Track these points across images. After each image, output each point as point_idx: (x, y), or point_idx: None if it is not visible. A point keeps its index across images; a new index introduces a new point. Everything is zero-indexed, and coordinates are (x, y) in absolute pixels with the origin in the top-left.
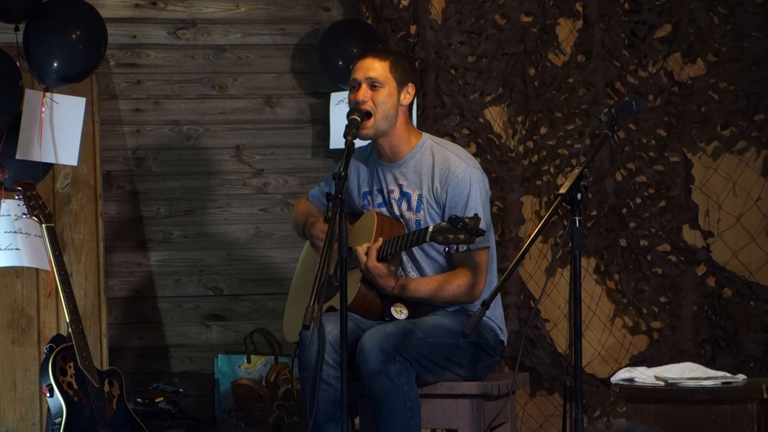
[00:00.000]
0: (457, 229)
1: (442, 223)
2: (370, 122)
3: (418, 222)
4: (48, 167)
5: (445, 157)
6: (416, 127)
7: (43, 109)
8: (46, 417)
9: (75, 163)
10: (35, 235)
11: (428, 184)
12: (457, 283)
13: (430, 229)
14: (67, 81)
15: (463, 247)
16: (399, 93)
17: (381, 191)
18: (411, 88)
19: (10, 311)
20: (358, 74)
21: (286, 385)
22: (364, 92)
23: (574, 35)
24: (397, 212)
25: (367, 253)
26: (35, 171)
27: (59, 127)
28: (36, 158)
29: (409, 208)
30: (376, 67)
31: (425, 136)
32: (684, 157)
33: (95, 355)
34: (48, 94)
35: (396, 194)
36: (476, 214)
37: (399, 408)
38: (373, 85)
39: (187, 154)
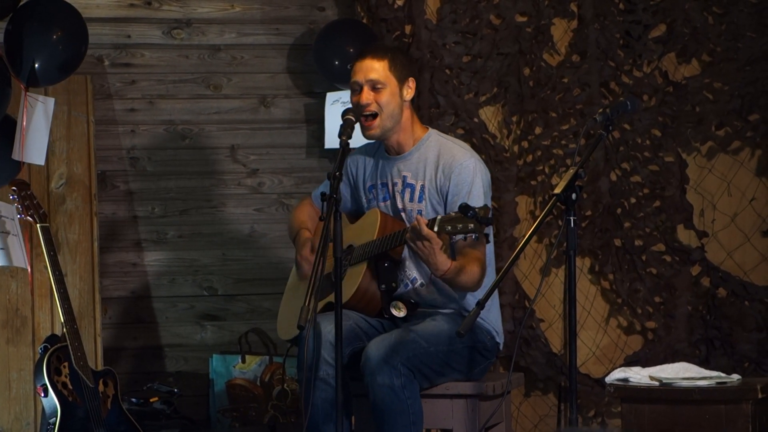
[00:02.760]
0: (467, 218)
1: (452, 213)
2: (377, 122)
3: (420, 212)
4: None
5: (450, 148)
6: None
7: (25, 109)
8: (40, 417)
9: (42, 163)
10: (13, 234)
11: (431, 174)
12: (473, 267)
13: (438, 218)
14: (48, 80)
15: (472, 236)
16: (401, 90)
17: (386, 185)
18: (412, 83)
19: (4, 311)
20: (359, 76)
21: (281, 385)
22: (367, 95)
23: (568, 35)
24: (400, 204)
25: (423, 233)
26: (10, 170)
27: (29, 126)
28: (18, 157)
29: (412, 198)
30: (375, 68)
31: (432, 130)
32: (679, 157)
33: (90, 355)
34: (30, 94)
35: (399, 186)
36: (486, 205)
37: (402, 421)
38: (375, 86)
39: (181, 154)
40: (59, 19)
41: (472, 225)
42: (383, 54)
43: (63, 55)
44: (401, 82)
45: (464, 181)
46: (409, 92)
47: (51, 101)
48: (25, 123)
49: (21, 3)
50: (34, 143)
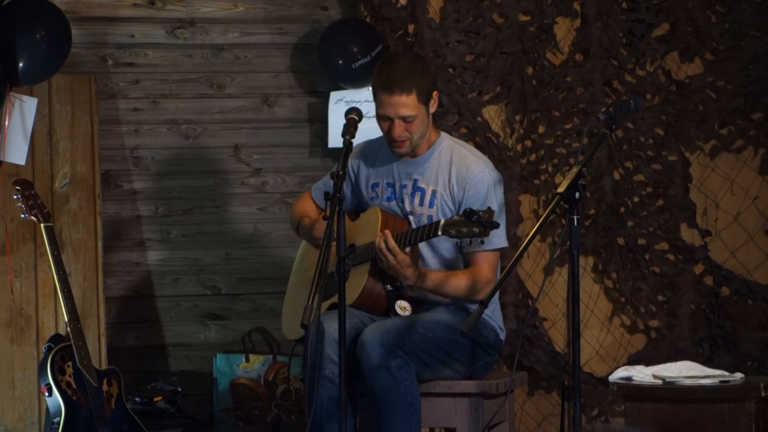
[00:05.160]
0: (472, 222)
1: (456, 217)
2: (407, 143)
3: (430, 217)
4: None
5: (464, 156)
6: None
7: (8, 109)
8: (44, 416)
9: (23, 163)
10: None
11: (444, 181)
12: (475, 279)
13: (442, 222)
14: (31, 80)
15: (477, 241)
16: (428, 109)
17: (392, 185)
18: (435, 96)
19: (8, 311)
20: (389, 111)
21: (285, 384)
22: (399, 129)
23: (572, 34)
24: (408, 207)
25: (390, 250)
26: None
27: (10, 126)
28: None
29: (422, 203)
30: (405, 103)
31: (443, 135)
32: (682, 155)
33: (94, 355)
34: (13, 93)
35: (409, 189)
36: (489, 207)
37: (400, 403)
38: (407, 120)
39: (185, 154)
40: (42, 19)
41: (477, 229)
42: (410, 86)
43: (46, 55)
44: (427, 103)
45: (479, 192)
46: (434, 105)
47: (33, 101)
48: (8, 123)
49: (4, 3)
50: (16, 143)
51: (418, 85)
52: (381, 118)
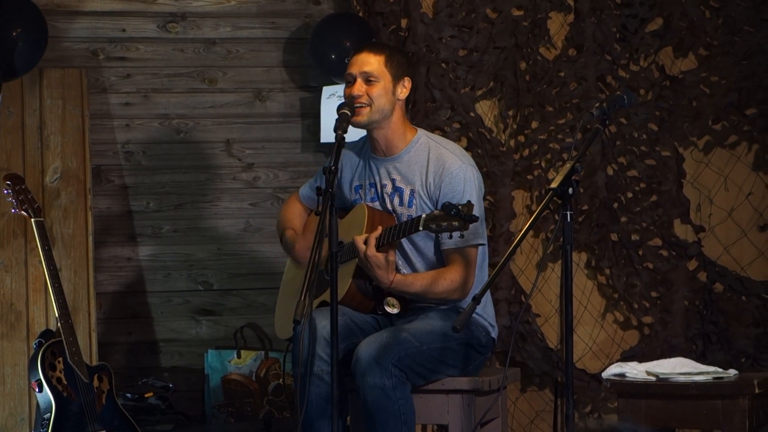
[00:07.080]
0: (451, 216)
1: (435, 211)
2: (365, 110)
3: (409, 217)
4: None
5: (440, 154)
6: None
7: None
8: (35, 412)
9: None
10: None
11: (422, 180)
12: (450, 278)
13: (423, 216)
14: (8, 76)
15: (456, 236)
16: (395, 87)
17: (374, 185)
18: (407, 82)
19: None
20: (353, 69)
21: (276, 380)
22: (359, 87)
23: (565, 29)
24: (389, 207)
25: (366, 242)
26: None
27: None
28: None
29: (401, 203)
30: (371, 62)
31: (420, 131)
32: (675, 151)
33: (84, 350)
34: None
35: (389, 189)
36: (469, 201)
37: (393, 422)
38: (369, 79)
39: (176, 148)
40: (18, 14)
41: (456, 223)
42: (381, 49)
43: (23, 50)
44: (396, 79)
45: (455, 190)
46: (403, 91)
47: None
48: None
49: None
50: None
51: (389, 53)
52: (346, 82)
